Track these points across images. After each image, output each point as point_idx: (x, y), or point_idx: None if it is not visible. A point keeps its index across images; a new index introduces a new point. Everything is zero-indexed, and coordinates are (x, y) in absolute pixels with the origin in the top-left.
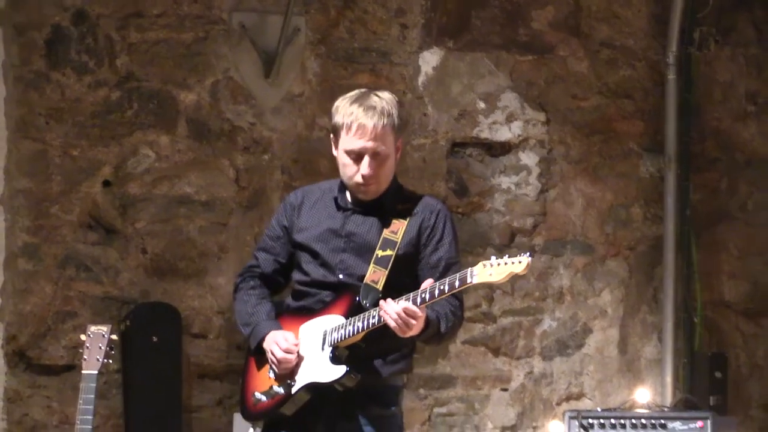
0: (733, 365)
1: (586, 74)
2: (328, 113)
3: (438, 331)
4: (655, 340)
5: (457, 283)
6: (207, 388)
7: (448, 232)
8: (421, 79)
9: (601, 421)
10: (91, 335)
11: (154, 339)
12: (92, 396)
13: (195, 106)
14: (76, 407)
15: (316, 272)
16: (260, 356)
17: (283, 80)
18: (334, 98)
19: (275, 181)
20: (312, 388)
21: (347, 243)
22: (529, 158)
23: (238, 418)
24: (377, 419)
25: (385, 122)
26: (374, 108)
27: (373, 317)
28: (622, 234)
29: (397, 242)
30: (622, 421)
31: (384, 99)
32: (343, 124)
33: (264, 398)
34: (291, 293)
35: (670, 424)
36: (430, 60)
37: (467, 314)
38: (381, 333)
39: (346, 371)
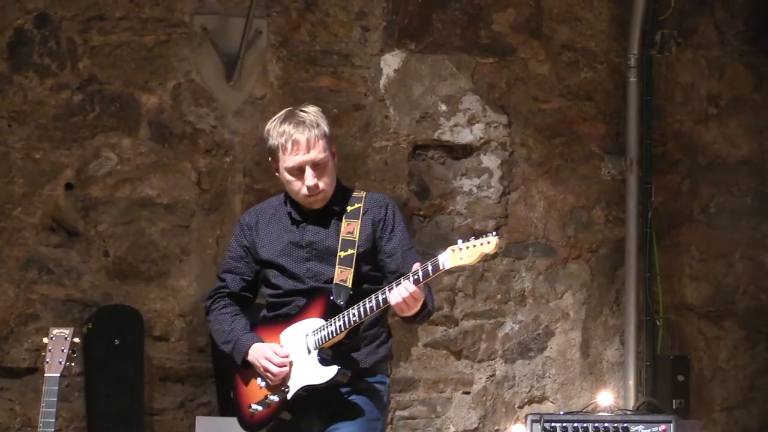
0: (696, 368)
1: (548, 76)
2: (261, 140)
3: (426, 308)
4: (618, 342)
5: (430, 270)
6: (169, 391)
7: (398, 221)
8: (382, 81)
9: (564, 424)
10: (54, 338)
11: (116, 342)
12: (54, 399)
13: (157, 109)
14: (38, 410)
15: (286, 284)
16: (246, 369)
17: (244, 83)
18: (295, 100)
19: (237, 183)
20: (307, 390)
21: (309, 252)
22: (490, 161)
23: (200, 420)
24: (371, 422)
25: (316, 133)
26: (303, 122)
27: (353, 315)
28: (584, 236)
29: (355, 241)
30: (585, 425)
31: (310, 112)
32: (278, 145)
33: (260, 408)
34: (265, 305)
35: (633, 428)
36: (391, 62)
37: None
38: (358, 326)
39: (339, 370)
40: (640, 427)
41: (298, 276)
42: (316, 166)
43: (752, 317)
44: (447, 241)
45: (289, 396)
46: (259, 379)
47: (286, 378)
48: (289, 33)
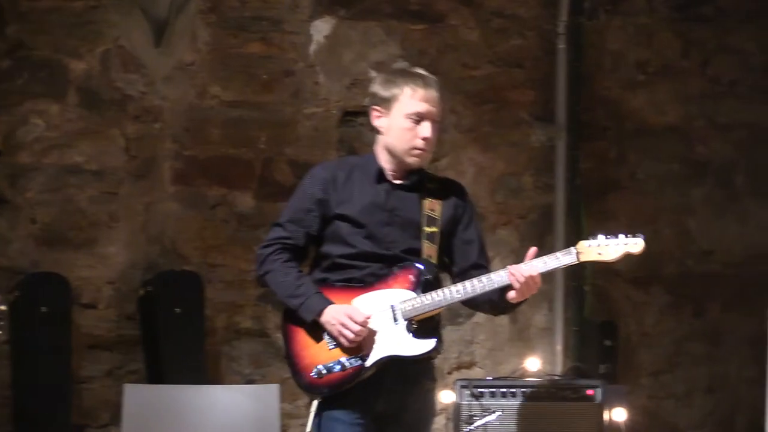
0: (623, 333)
1: (477, 43)
2: (368, 85)
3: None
4: (546, 308)
5: (563, 261)
6: (97, 359)
7: (476, 212)
8: (312, 47)
9: (492, 390)
10: None
11: (44, 309)
12: None
13: (85, 75)
14: None
15: (363, 244)
16: (311, 327)
17: (174, 49)
18: (225, 67)
19: (166, 150)
20: (393, 360)
21: (391, 217)
22: None
23: (128, 388)
24: (427, 393)
25: (439, 97)
26: (433, 81)
27: (458, 291)
28: (513, 203)
29: (438, 219)
30: (513, 390)
31: (433, 77)
32: (404, 89)
33: (334, 370)
34: (325, 266)
35: (561, 393)
36: (321, 28)
37: None
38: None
39: (436, 344)
40: (568, 392)
41: (376, 238)
42: (434, 123)
43: (679, 283)
44: None
45: (368, 363)
46: (328, 340)
47: (363, 344)
48: None
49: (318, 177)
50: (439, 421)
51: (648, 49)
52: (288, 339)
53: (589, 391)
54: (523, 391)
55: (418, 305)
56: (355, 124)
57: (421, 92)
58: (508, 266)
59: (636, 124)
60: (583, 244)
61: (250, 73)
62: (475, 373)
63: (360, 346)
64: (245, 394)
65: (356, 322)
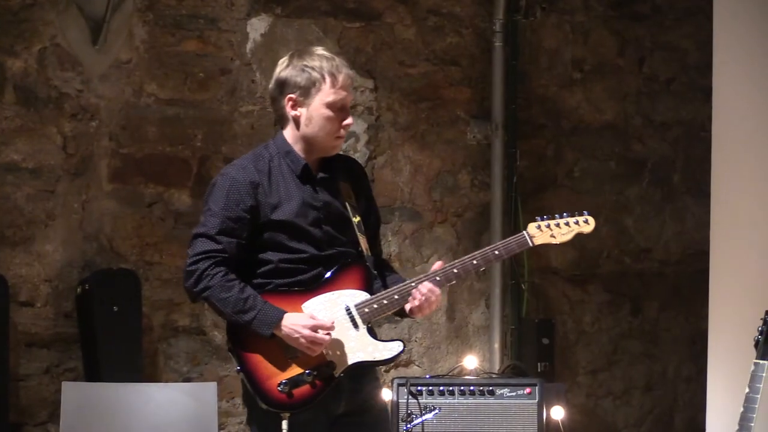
0: (561, 331)
1: (414, 41)
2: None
3: None
4: (483, 306)
5: (515, 247)
6: (35, 357)
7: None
8: (249, 45)
9: (430, 388)
10: None
11: None
12: None
13: (22, 73)
14: None
15: (304, 248)
16: (264, 340)
17: (110, 47)
18: (162, 65)
19: (103, 148)
20: (364, 367)
21: (324, 213)
22: (357, 125)
23: (66, 386)
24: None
25: (352, 74)
26: (344, 62)
27: (408, 290)
28: (450, 201)
29: (355, 206)
30: (451, 388)
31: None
32: (322, 75)
33: (303, 383)
34: (265, 271)
35: (498, 391)
36: (258, 26)
37: None
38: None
39: (403, 347)
40: (506, 390)
41: (317, 240)
42: (349, 108)
43: (616, 281)
44: None
45: (337, 372)
46: (287, 353)
47: (328, 352)
48: None
49: (242, 182)
50: None
51: (584, 47)
52: (241, 357)
53: (527, 390)
54: (461, 390)
55: (377, 307)
56: None
57: (341, 79)
58: (422, 277)
59: (573, 122)
60: (533, 227)
61: (187, 71)
62: (413, 371)
63: (322, 354)
64: (183, 392)
65: (324, 331)
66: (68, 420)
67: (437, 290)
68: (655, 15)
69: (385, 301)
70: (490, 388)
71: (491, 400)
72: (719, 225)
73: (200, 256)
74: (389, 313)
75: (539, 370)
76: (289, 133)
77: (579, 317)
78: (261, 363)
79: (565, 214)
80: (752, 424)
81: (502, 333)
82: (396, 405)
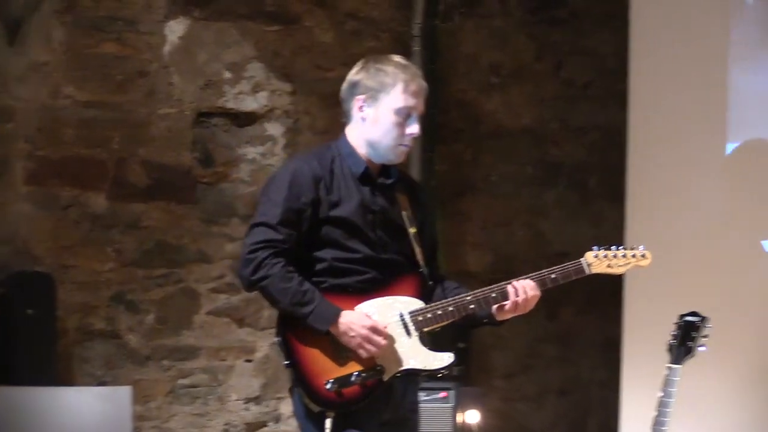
0: (477, 335)
1: (332, 45)
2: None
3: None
4: None
5: (572, 273)
6: None
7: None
8: (167, 48)
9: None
10: None
11: None
12: None
13: None
14: None
15: (360, 249)
16: (318, 336)
17: (28, 49)
18: (80, 67)
19: (18, 150)
20: (411, 374)
21: (379, 218)
22: (274, 128)
23: None
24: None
25: (426, 90)
26: (419, 71)
27: (471, 304)
28: None
29: (411, 218)
30: None
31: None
32: (395, 81)
33: (352, 384)
34: (319, 270)
35: None
36: (176, 29)
37: (212, 285)
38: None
39: (454, 359)
40: (421, 393)
41: (372, 243)
42: (419, 119)
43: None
44: (230, 209)
45: (385, 377)
46: (338, 351)
47: (380, 356)
48: None
49: (306, 175)
50: (292, 423)
51: (502, 51)
52: (291, 351)
53: (443, 393)
54: None
55: (431, 316)
56: (209, 125)
57: (413, 86)
58: (512, 280)
59: (490, 127)
60: (590, 256)
61: (105, 73)
62: None
63: (373, 357)
64: (97, 396)
65: (380, 334)
66: None
67: (538, 290)
68: (572, 20)
69: (439, 312)
70: None
71: None
72: (634, 229)
73: (261, 245)
74: (444, 323)
75: (454, 374)
76: (353, 135)
77: None
78: (311, 359)
79: (621, 246)
80: (665, 428)
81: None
82: None
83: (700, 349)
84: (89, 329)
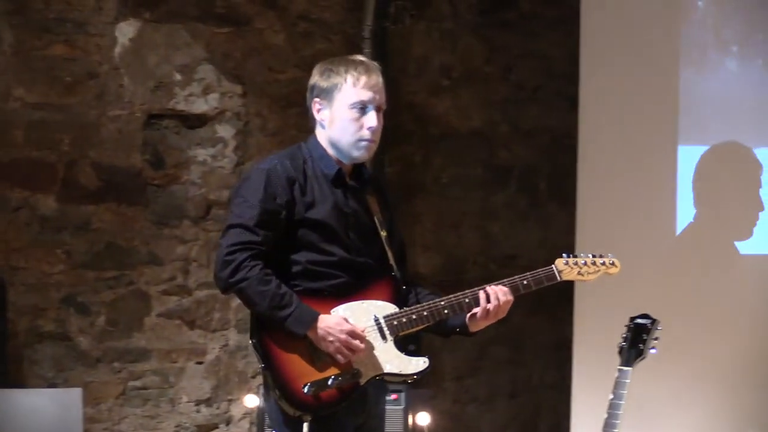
0: (426, 338)
1: (283, 47)
2: (307, 76)
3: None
4: None
5: (544, 279)
6: None
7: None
8: (117, 50)
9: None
10: None
11: None
12: None
13: None
14: None
15: (336, 252)
16: (294, 339)
17: None
18: (29, 68)
19: None
20: (386, 379)
21: (352, 221)
22: (225, 130)
23: None
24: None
25: (382, 82)
26: (374, 67)
27: (445, 309)
28: None
29: (383, 222)
30: None
31: (374, 63)
32: (346, 78)
33: (328, 387)
34: (293, 273)
35: None
36: (126, 31)
37: (163, 287)
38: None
39: (429, 364)
40: None
41: (347, 246)
42: (378, 110)
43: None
44: (181, 211)
45: (362, 381)
46: (314, 355)
47: (356, 360)
48: (22, 0)
49: (280, 176)
50: (243, 426)
51: (452, 54)
52: (269, 353)
53: (393, 396)
54: None
55: (406, 321)
56: (159, 127)
57: (363, 79)
58: (485, 286)
59: (441, 129)
60: (561, 263)
61: (54, 75)
62: None
63: (349, 361)
64: (48, 398)
65: (358, 338)
66: None
67: (510, 296)
68: (523, 23)
69: (414, 316)
70: None
71: None
72: (584, 232)
73: (238, 247)
74: (419, 328)
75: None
76: (321, 138)
77: None
78: (288, 362)
79: (590, 254)
80: (616, 430)
81: None
82: (261, 411)
83: (650, 351)
84: (39, 331)
